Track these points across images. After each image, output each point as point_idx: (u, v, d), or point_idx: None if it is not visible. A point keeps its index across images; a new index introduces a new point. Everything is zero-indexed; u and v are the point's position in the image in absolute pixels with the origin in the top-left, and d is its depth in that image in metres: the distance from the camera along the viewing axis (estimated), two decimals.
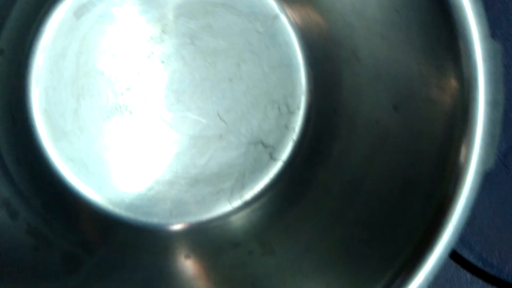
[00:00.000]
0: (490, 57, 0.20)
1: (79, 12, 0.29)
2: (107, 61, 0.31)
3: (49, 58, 0.29)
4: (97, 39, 0.30)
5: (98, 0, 0.30)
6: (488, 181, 0.41)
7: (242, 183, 0.33)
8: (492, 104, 0.20)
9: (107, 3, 0.30)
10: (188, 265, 0.31)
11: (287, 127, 0.34)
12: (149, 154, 0.32)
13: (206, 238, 0.32)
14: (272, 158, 0.34)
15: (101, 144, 0.31)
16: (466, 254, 0.46)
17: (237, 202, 0.33)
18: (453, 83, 0.21)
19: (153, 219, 0.32)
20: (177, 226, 0.32)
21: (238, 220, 0.33)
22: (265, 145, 0.34)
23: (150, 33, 0.31)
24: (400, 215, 0.24)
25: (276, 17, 0.32)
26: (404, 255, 0.23)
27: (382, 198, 0.26)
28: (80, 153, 0.31)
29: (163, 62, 0.31)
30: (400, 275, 0.22)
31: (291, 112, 0.34)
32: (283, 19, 0.32)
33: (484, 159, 0.21)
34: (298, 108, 0.34)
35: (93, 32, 0.30)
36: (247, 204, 0.33)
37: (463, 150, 0.21)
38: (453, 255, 0.42)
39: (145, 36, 0.31)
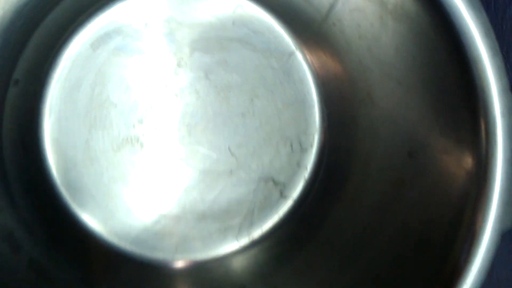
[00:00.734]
0: (510, 113, 0.19)
1: (95, 44, 0.30)
2: (121, 93, 0.31)
3: (63, 89, 0.30)
4: (112, 71, 0.30)
5: (115, 33, 0.30)
6: (508, 231, 0.40)
7: (250, 221, 0.33)
8: (511, 161, 0.19)
9: (124, 36, 0.30)
10: None
11: (299, 165, 0.33)
12: (157, 187, 0.31)
13: (210, 278, 0.31)
14: (283, 196, 0.33)
15: (110, 176, 0.31)
16: None
17: (244, 240, 0.33)
18: (470, 136, 0.20)
19: (158, 255, 0.31)
20: (181, 263, 0.32)
21: (244, 261, 0.32)
22: (276, 182, 0.33)
23: (165, 67, 0.31)
24: (413, 271, 0.23)
25: (291, 54, 0.32)
26: None
27: (394, 250, 0.25)
28: (89, 184, 0.30)
29: (176, 95, 0.31)
30: None
31: (303, 150, 0.33)
32: (299, 56, 0.32)
33: (502, 218, 0.20)
34: (311, 146, 0.33)
35: (108, 64, 0.30)
36: (255, 243, 0.33)
37: (480, 208, 0.20)
38: None
39: (160, 69, 0.31)
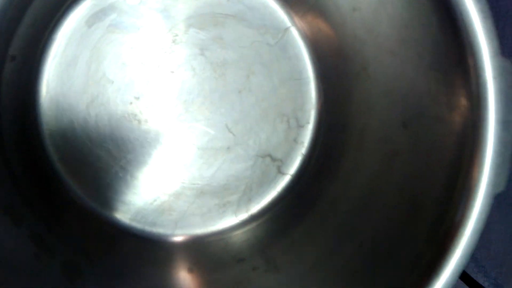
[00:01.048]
0: (501, 75, 0.19)
1: (90, 21, 0.30)
2: (117, 70, 0.31)
3: (60, 66, 0.30)
4: (107, 48, 0.30)
5: (110, 10, 0.30)
6: (505, 205, 0.40)
7: (249, 197, 0.33)
8: (503, 124, 0.19)
9: (119, 12, 0.30)
10: (190, 278, 0.31)
11: (296, 141, 0.33)
12: (156, 164, 0.32)
13: (210, 252, 0.32)
14: (280, 172, 0.33)
15: (109, 153, 0.31)
16: (481, 279, 0.44)
17: (243, 216, 0.33)
18: (462, 101, 0.21)
19: (158, 230, 0.32)
20: (181, 238, 0.32)
21: (243, 234, 0.32)
22: (273, 159, 0.33)
23: (160, 43, 0.31)
24: (408, 238, 0.23)
25: (287, 30, 0.32)
26: (411, 280, 0.22)
27: (389, 219, 0.25)
28: (87, 161, 0.31)
29: (172, 72, 0.32)
30: None
31: (300, 126, 0.33)
32: (294, 32, 0.32)
33: (494, 181, 0.20)
34: (308, 122, 0.33)
35: (104, 41, 0.30)
36: (253, 218, 0.33)
37: (473, 172, 0.20)
38: (468, 280, 0.41)
39: (156, 46, 0.31)
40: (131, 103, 0.31)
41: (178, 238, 0.32)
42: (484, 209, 0.20)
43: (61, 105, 0.30)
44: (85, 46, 0.30)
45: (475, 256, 0.46)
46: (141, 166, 0.32)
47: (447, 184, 0.22)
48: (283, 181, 0.33)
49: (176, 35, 0.31)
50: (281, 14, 0.32)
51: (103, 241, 0.29)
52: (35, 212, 0.27)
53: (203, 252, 0.32)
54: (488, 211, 0.20)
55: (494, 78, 0.19)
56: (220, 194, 0.33)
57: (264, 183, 0.33)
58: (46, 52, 0.29)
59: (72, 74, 0.30)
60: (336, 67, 0.31)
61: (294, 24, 0.32)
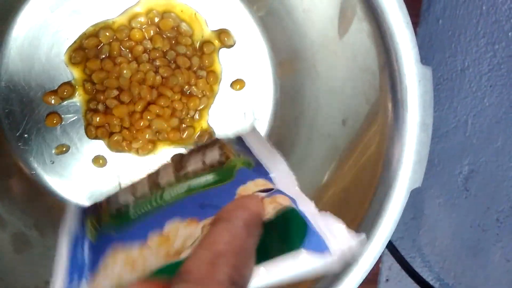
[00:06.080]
0: (420, 82, 0.21)
1: (53, 6, 0.30)
2: None
3: (21, 48, 0.30)
4: (69, 33, 0.31)
5: None
6: (449, 205, 0.42)
7: None
8: (421, 126, 0.21)
9: None
10: None
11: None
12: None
13: None
14: None
15: (66, 134, 0.32)
16: (425, 273, 0.47)
17: None
18: (388, 104, 0.22)
19: None
20: None
21: None
22: None
23: None
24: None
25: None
26: None
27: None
28: (45, 141, 0.32)
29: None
30: None
31: (256, 119, 0.35)
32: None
33: (411, 177, 0.22)
34: (264, 115, 0.35)
35: (65, 26, 0.31)
36: None
37: (392, 168, 0.22)
38: (413, 274, 0.43)
39: None
40: None
41: None
42: (401, 201, 0.22)
43: (21, 85, 0.31)
44: (47, 31, 0.31)
45: (422, 251, 0.48)
46: (97, 148, 0.33)
47: (372, 179, 0.23)
48: None
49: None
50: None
51: (55, 216, 0.30)
52: None
53: None
54: (404, 203, 0.22)
55: (414, 83, 0.21)
56: None
57: None
58: (9, 35, 0.30)
59: (33, 57, 0.31)
60: (291, 64, 0.33)
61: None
